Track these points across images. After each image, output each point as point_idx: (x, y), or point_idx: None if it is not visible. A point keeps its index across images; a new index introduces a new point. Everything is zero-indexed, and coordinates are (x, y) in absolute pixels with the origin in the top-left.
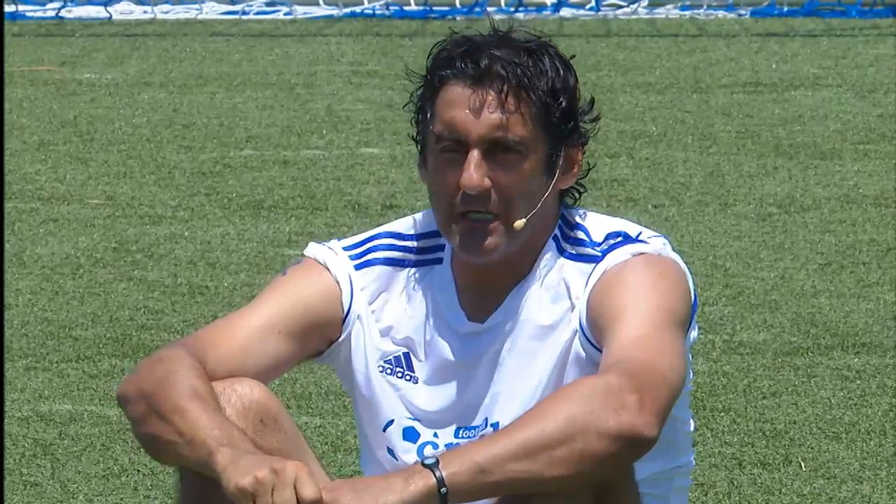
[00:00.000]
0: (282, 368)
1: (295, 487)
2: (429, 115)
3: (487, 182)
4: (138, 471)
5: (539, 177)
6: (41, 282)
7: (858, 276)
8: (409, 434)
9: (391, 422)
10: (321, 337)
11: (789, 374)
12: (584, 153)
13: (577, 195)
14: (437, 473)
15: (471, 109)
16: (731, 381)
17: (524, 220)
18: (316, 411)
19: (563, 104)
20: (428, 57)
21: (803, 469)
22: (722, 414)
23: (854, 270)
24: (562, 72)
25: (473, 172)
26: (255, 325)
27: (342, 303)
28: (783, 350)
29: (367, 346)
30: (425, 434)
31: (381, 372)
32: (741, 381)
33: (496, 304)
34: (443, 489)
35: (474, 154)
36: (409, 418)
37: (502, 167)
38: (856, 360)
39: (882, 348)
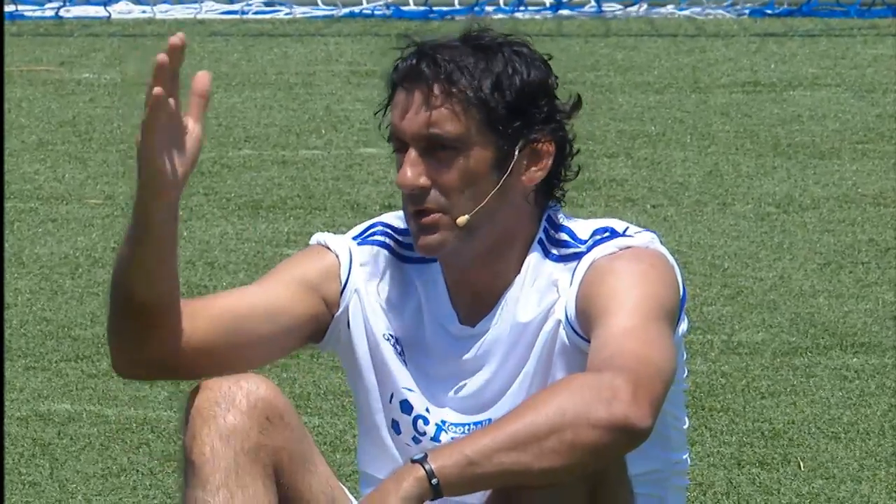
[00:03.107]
0: (289, 330)
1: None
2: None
3: (423, 180)
4: (137, 470)
5: (486, 172)
6: (40, 281)
7: (857, 275)
8: (405, 406)
9: (393, 394)
10: (322, 303)
11: (788, 374)
12: (569, 151)
13: (560, 194)
14: (427, 466)
15: (403, 110)
16: (730, 381)
17: (468, 216)
18: (315, 411)
19: (509, 99)
20: None
21: (802, 469)
22: (720, 414)
23: (853, 270)
24: (513, 67)
25: (408, 171)
26: (258, 288)
27: (340, 275)
28: (782, 350)
29: (367, 317)
30: (418, 408)
31: (388, 340)
32: (740, 381)
33: (487, 310)
34: (433, 480)
35: (410, 153)
36: (406, 389)
37: (440, 164)
38: (854, 359)
39: (881, 348)
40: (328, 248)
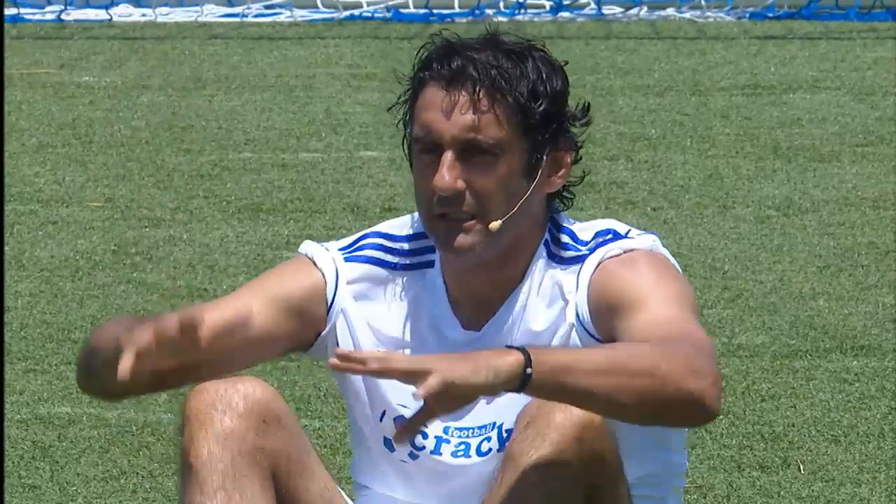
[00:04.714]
0: (272, 339)
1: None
2: (410, 117)
3: (460, 184)
4: (137, 473)
5: (518, 179)
6: (40, 284)
7: (857, 278)
8: (401, 422)
9: (385, 412)
10: (308, 326)
11: (788, 377)
12: (576, 158)
13: (567, 200)
14: (525, 356)
15: (444, 111)
16: (730, 384)
17: (500, 221)
18: (315, 414)
19: (544, 107)
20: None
21: (802, 472)
22: (720, 416)
23: (853, 273)
24: (545, 75)
25: (446, 174)
26: (244, 296)
27: (326, 296)
28: (782, 353)
29: (356, 336)
30: None
31: None
32: (740, 384)
33: (491, 313)
34: (528, 370)
35: (447, 155)
36: (401, 405)
37: (477, 168)
38: (854, 362)
39: (881, 351)
40: (315, 264)
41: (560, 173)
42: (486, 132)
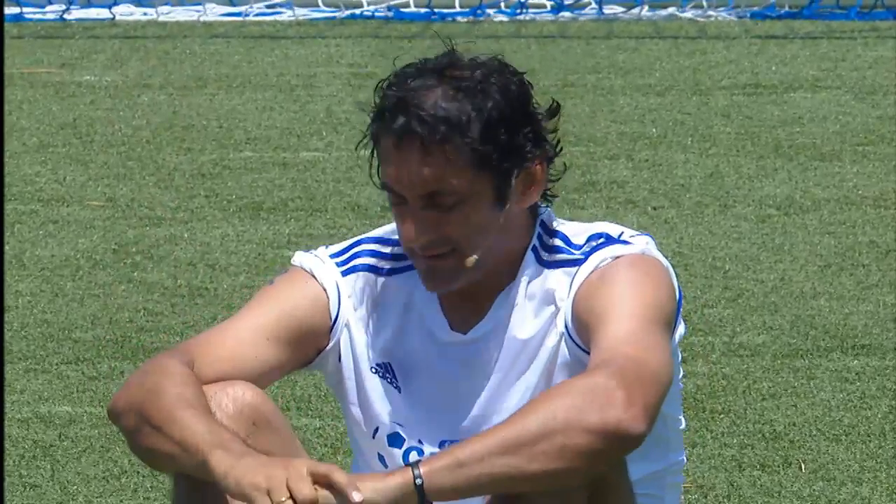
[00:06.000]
0: (273, 375)
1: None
2: (379, 158)
3: (425, 237)
4: (138, 472)
5: (489, 212)
6: (41, 284)
7: (858, 277)
8: (394, 440)
9: (378, 428)
10: (310, 344)
11: (789, 376)
12: (555, 152)
13: (548, 201)
14: (416, 471)
15: (399, 168)
16: (731, 383)
17: (475, 257)
18: (315, 413)
19: (501, 141)
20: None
21: (803, 471)
22: (721, 416)
23: (853, 272)
24: (493, 103)
25: (412, 228)
26: (245, 332)
27: (329, 311)
28: (783, 352)
29: (356, 350)
30: (410, 440)
31: (375, 373)
32: (741, 383)
33: (479, 316)
34: (418, 480)
35: (413, 210)
36: (395, 423)
37: (442, 214)
38: (855, 362)
39: (882, 350)
40: (314, 277)
41: (535, 186)
42: (446, 183)
